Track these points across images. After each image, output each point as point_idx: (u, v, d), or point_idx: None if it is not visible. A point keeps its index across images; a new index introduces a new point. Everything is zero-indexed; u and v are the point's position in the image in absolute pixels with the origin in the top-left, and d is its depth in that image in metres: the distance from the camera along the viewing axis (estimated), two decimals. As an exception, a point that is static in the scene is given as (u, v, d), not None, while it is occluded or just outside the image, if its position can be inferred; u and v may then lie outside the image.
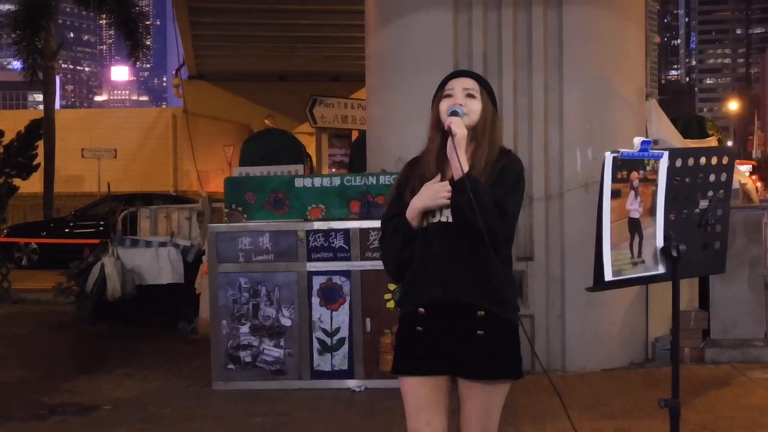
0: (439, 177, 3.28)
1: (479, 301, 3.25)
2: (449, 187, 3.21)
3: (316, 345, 7.11)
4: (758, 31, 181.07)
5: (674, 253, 3.10)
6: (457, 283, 3.26)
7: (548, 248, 7.62)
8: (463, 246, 3.23)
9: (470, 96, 3.35)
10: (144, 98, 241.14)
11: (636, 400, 6.54)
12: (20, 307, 12.33)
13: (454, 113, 3.26)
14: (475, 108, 3.33)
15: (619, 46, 7.85)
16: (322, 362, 7.11)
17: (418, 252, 3.31)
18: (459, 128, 3.19)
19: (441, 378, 3.33)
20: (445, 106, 3.33)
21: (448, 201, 3.22)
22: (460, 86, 3.37)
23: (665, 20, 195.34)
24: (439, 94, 3.41)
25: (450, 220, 3.26)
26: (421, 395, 3.32)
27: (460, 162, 3.15)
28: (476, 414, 3.33)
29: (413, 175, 3.37)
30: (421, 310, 3.31)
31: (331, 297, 7.11)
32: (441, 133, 3.33)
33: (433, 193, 3.24)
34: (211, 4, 24.48)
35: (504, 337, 3.30)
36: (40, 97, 35.93)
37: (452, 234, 3.26)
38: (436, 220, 3.30)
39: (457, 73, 3.50)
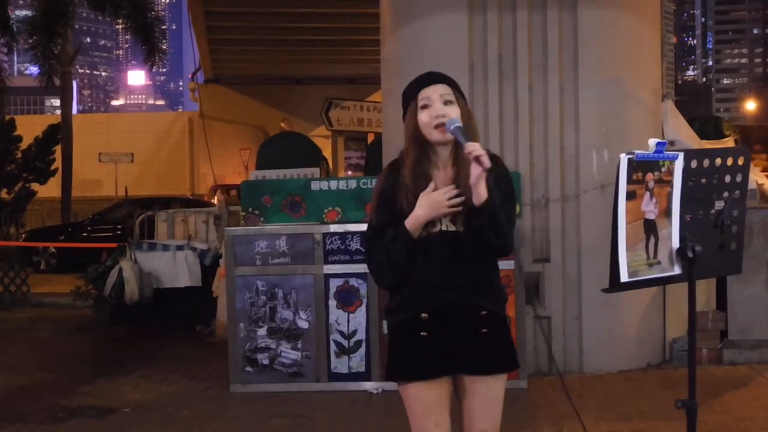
0: (433, 186, 3.26)
1: (482, 301, 3.32)
2: (449, 195, 3.22)
3: (333, 347, 7.13)
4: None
5: (690, 254, 3.11)
6: (462, 288, 3.30)
7: (565, 250, 7.61)
8: (465, 252, 3.27)
9: (448, 102, 3.29)
10: (160, 102, 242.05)
11: (653, 402, 6.53)
12: (39, 311, 12.41)
13: (458, 129, 3.18)
14: (454, 114, 3.26)
15: (634, 48, 7.84)
16: (339, 364, 7.13)
17: (419, 260, 3.31)
18: (488, 159, 3.11)
19: (444, 379, 3.36)
20: (425, 118, 3.27)
21: (450, 210, 3.23)
22: (436, 94, 3.29)
23: (681, 20, 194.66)
24: (413, 104, 3.32)
25: (451, 228, 3.28)
26: (427, 398, 3.34)
27: (489, 192, 3.15)
28: (481, 408, 3.37)
29: (400, 181, 3.32)
30: (425, 315, 3.32)
31: (347, 299, 7.13)
32: (418, 147, 3.29)
33: (436, 204, 3.23)
34: (226, 9, 24.58)
35: (502, 332, 3.40)
36: (57, 102, 36.21)
37: (453, 241, 3.28)
38: (437, 229, 3.30)
39: (427, 80, 3.37)
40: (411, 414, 3.39)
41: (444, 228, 3.29)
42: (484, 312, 3.32)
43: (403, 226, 3.26)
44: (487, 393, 3.37)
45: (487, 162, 3.10)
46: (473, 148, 3.12)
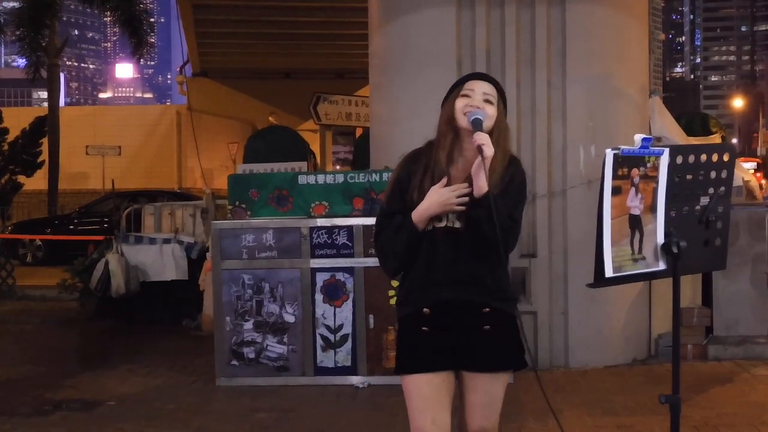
0: (445, 181, 3.28)
1: (486, 299, 3.32)
2: (458, 192, 3.24)
3: (319, 341, 7.13)
4: (763, 29, 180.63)
5: (675, 250, 3.11)
6: (465, 284, 3.30)
7: (551, 245, 7.63)
8: (470, 249, 3.28)
9: (488, 102, 3.33)
10: (148, 95, 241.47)
11: (638, 397, 6.54)
12: (25, 303, 12.36)
13: (477, 121, 3.23)
14: (490, 113, 3.32)
15: (622, 44, 7.85)
16: (325, 359, 7.13)
17: (423, 253, 3.33)
18: (489, 149, 3.16)
19: (446, 374, 3.35)
20: (461, 104, 3.31)
21: (457, 208, 3.25)
22: (480, 89, 3.34)
23: (670, 17, 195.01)
24: (456, 91, 3.37)
25: (456, 225, 3.30)
26: (426, 393, 3.33)
27: (486, 181, 3.15)
28: (481, 405, 3.39)
29: (417, 171, 3.35)
30: (426, 310, 3.33)
31: (334, 293, 7.12)
32: (454, 132, 3.34)
33: (443, 200, 3.25)
34: (215, 2, 24.48)
35: (507, 329, 3.37)
36: (44, 95, 36.01)
37: (458, 237, 3.29)
38: (442, 224, 3.31)
39: (479, 75, 3.48)
40: (409, 408, 3.37)
41: (449, 224, 3.31)
42: (487, 309, 3.32)
43: (408, 217, 3.29)
44: (487, 390, 3.38)
45: (487, 152, 3.14)
46: (480, 137, 3.17)
